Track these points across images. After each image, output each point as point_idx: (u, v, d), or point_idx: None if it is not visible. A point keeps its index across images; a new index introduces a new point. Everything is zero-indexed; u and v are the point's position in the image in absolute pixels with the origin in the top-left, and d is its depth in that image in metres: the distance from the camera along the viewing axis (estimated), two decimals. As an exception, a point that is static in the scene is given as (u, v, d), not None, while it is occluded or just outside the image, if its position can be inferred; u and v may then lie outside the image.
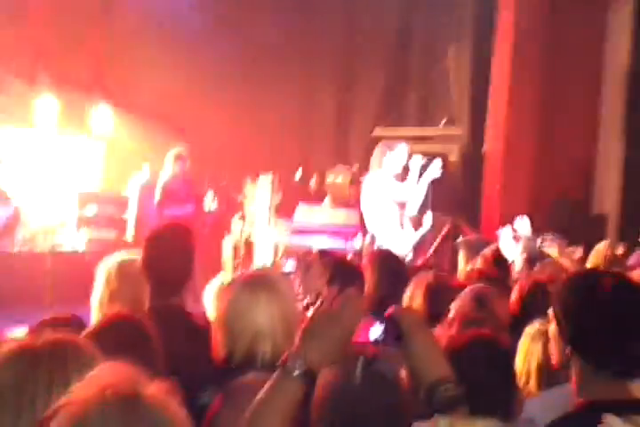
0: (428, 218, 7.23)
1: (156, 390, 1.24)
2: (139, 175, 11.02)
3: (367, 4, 12.78)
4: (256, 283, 2.56)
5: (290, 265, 3.44)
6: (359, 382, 1.86)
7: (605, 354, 2.10)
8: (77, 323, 2.80)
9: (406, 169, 7.23)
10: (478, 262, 4.98)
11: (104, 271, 3.42)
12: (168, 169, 9.68)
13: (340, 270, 3.95)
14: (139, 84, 11.83)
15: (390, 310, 1.70)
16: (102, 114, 11.52)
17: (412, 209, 7.25)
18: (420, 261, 6.50)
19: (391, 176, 7.12)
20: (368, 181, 7.31)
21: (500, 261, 4.98)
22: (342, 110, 14.09)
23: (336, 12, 13.51)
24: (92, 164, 11.45)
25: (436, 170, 7.26)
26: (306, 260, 3.62)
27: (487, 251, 5.07)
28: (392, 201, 7.12)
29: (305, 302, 3.46)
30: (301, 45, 13.39)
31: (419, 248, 7.29)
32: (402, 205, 7.18)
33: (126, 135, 11.68)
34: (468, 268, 5.12)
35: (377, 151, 7.28)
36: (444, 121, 11.60)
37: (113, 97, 11.74)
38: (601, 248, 5.69)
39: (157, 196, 9.57)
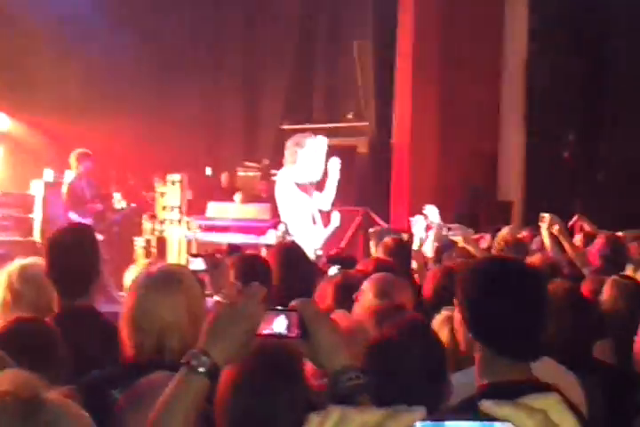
0: (335, 216, 7.27)
1: (56, 394, 1.23)
2: (44, 174, 10.76)
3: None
4: (160, 278, 2.54)
5: (197, 263, 3.41)
6: (259, 378, 1.88)
7: (503, 339, 2.15)
8: None
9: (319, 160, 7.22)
10: (379, 251, 5.04)
11: (4, 276, 3.35)
12: (72, 169, 9.47)
13: (247, 266, 3.95)
14: (40, 86, 11.55)
15: (294, 302, 1.71)
16: (3, 120, 11.19)
17: (326, 204, 7.28)
18: (332, 251, 6.53)
19: (305, 181, 7.09)
20: (281, 177, 7.29)
21: (400, 250, 5.02)
22: (249, 106, 14.09)
23: (238, 7, 13.49)
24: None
25: (335, 169, 7.26)
26: (213, 257, 3.60)
27: (388, 239, 5.13)
28: (304, 196, 7.12)
29: (215, 299, 3.45)
30: (207, 44, 13.31)
31: (329, 242, 7.34)
32: (313, 201, 7.20)
33: (26, 137, 11.38)
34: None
35: (288, 147, 7.26)
36: (350, 114, 11.72)
37: (10, 99, 11.41)
38: (503, 234, 5.84)
39: (63, 197, 9.36)
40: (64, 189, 9.35)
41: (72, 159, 9.37)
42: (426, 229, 6.20)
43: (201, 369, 1.57)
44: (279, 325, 1.67)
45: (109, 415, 2.14)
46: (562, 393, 2.14)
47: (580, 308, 3.36)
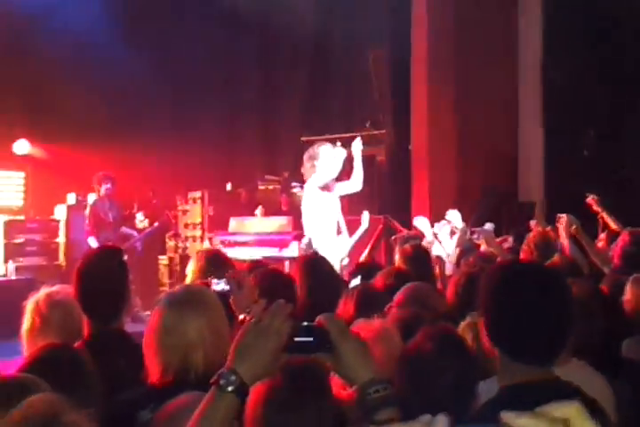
0: (365, 217, 7.27)
1: (76, 415, 1.26)
2: (68, 199, 10.85)
3: (283, 11, 12.83)
4: (182, 298, 2.60)
5: (221, 285, 3.41)
6: (286, 394, 1.89)
7: (518, 345, 2.12)
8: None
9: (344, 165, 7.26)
10: (397, 259, 5.00)
11: (32, 302, 3.37)
12: (95, 192, 9.56)
13: (270, 282, 3.92)
14: (60, 111, 11.65)
15: (319, 318, 1.72)
16: (22, 145, 11.27)
17: (356, 185, 7.27)
18: (355, 263, 6.49)
19: (326, 182, 7.10)
20: (305, 187, 7.31)
21: (419, 256, 4.98)
22: (267, 120, 14.11)
23: (252, 20, 13.54)
24: (14, 193, 11.18)
25: (358, 150, 7.31)
26: (237, 278, 3.58)
27: (407, 246, 5.09)
28: (329, 203, 7.13)
29: (240, 318, 3.45)
30: (221, 58, 13.36)
31: (354, 251, 7.32)
32: (338, 209, 7.20)
33: (48, 162, 11.47)
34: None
35: (304, 164, 7.28)
36: (368, 123, 11.71)
37: (31, 125, 11.52)
38: (531, 235, 5.78)
39: (86, 220, 9.45)
40: (87, 212, 9.43)
41: (94, 182, 9.48)
42: (450, 234, 6.17)
43: (230, 388, 1.60)
44: (303, 340, 1.67)
45: None
46: (584, 393, 2.12)
47: (606, 308, 3.30)
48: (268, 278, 3.98)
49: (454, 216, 6.59)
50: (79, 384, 2.38)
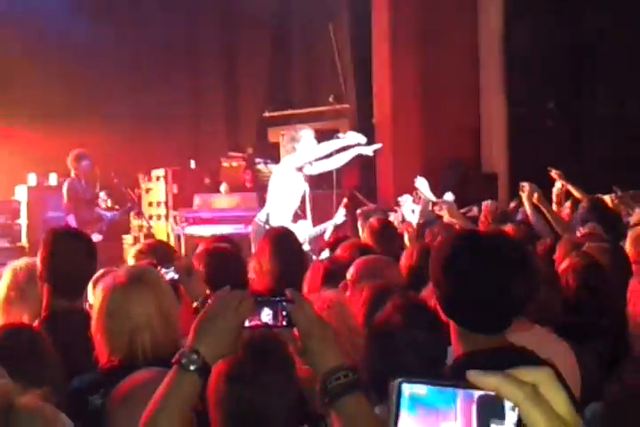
0: (341, 213, 7.30)
1: (30, 398, 1.23)
2: (28, 179, 10.69)
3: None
4: (127, 279, 2.55)
5: (170, 274, 3.37)
6: (248, 368, 1.89)
7: (469, 315, 2.10)
8: None
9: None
10: (365, 232, 4.99)
11: (10, 272, 3.33)
12: (71, 170, 9.34)
13: (217, 264, 3.90)
14: (17, 89, 11.44)
15: (286, 292, 1.71)
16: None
17: (335, 165, 7.29)
18: (329, 239, 6.47)
19: (303, 163, 7.09)
20: (282, 165, 7.29)
21: (385, 230, 4.97)
22: (230, 97, 13.98)
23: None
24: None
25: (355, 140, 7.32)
26: (185, 265, 3.54)
27: (372, 220, 5.08)
28: (296, 189, 7.12)
29: (194, 305, 3.43)
30: (183, 35, 13.19)
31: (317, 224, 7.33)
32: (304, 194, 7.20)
33: (6, 142, 11.26)
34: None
35: (284, 145, 7.28)
36: (331, 97, 11.65)
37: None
38: (486, 207, 5.81)
39: (64, 198, 9.22)
40: (64, 190, 9.21)
41: (69, 159, 9.26)
42: (418, 203, 6.17)
43: (192, 367, 1.61)
44: (266, 314, 1.68)
45: (90, 423, 2.18)
46: (541, 358, 2.12)
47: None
48: (214, 261, 3.95)
49: (422, 184, 6.61)
50: (37, 364, 2.37)
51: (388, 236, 4.90)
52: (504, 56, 10.76)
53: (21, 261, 3.43)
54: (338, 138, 7.25)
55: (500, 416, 0.77)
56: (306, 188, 7.15)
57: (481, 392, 0.77)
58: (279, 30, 13.39)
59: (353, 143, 7.26)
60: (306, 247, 6.85)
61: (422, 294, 3.04)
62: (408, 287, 3.51)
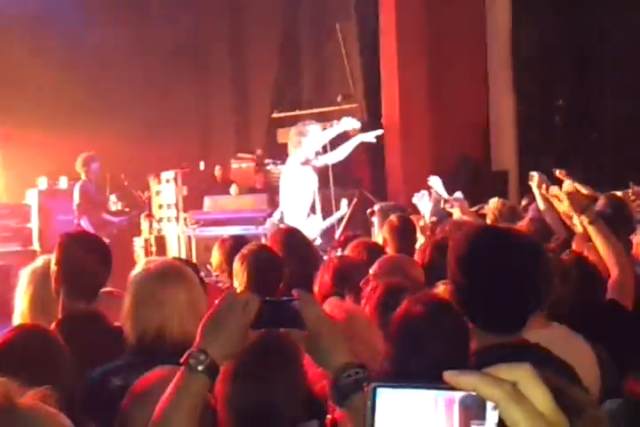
0: (343, 204, 7.29)
1: (30, 398, 1.22)
2: (38, 183, 10.71)
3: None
4: (160, 269, 2.63)
5: None
6: (255, 365, 1.89)
7: (483, 313, 2.08)
8: None
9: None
10: (384, 229, 4.96)
11: (29, 273, 3.36)
12: (81, 173, 9.31)
13: (261, 263, 3.87)
14: (26, 93, 11.49)
15: (294, 292, 1.70)
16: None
17: (338, 158, 7.31)
18: (341, 237, 6.46)
19: (307, 157, 7.11)
20: (288, 163, 7.31)
21: (405, 227, 4.94)
22: (239, 98, 14.01)
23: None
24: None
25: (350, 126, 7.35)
26: None
27: (393, 217, 5.05)
28: (306, 185, 7.13)
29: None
30: (192, 36, 13.21)
31: (327, 231, 7.33)
32: (315, 188, 7.21)
33: (16, 146, 11.29)
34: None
35: (291, 138, 7.29)
36: (340, 97, 11.63)
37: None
38: (494, 205, 5.78)
39: (77, 200, 9.20)
40: (76, 193, 9.19)
41: (79, 163, 9.24)
42: (430, 202, 6.15)
43: (200, 367, 1.61)
44: (274, 316, 1.67)
45: (110, 402, 2.18)
46: (555, 356, 2.10)
47: (586, 273, 3.29)
48: (258, 259, 3.90)
49: (436, 183, 6.59)
50: (49, 365, 2.35)
51: (407, 233, 4.87)
52: (513, 54, 10.73)
53: (37, 263, 3.43)
54: (332, 126, 7.28)
55: (481, 417, 0.74)
56: (315, 182, 7.16)
57: (462, 393, 0.75)
58: (287, 31, 13.40)
59: (349, 128, 7.28)
60: (317, 242, 6.88)
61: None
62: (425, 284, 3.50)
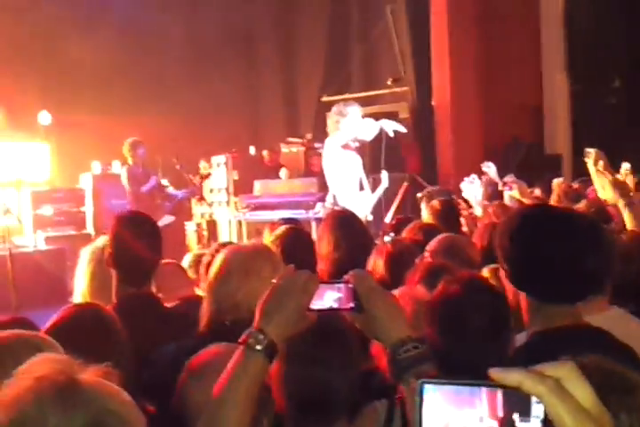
0: (384, 176, 7.24)
1: (92, 374, 1.22)
2: (92, 167, 10.86)
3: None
4: (250, 248, 2.71)
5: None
6: (310, 347, 1.90)
7: (542, 283, 2.05)
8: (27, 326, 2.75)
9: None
10: (427, 214, 4.92)
11: (89, 253, 3.41)
12: (128, 158, 9.45)
13: (292, 245, 3.89)
14: (80, 79, 11.63)
15: (349, 274, 1.69)
16: (44, 116, 11.20)
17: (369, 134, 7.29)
18: (392, 221, 6.43)
19: (349, 139, 7.11)
20: (327, 145, 7.30)
21: (448, 211, 4.89)
22: (288, 82, 14.00)
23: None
24: (39, 164, 11.20)
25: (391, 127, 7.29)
26: None
27: (435, 202, 5.01)
28: (350, 160, 7.12)
29: None
30: (240, 20, 13.22)
31: (378, 208, 7.29)
32: (359, 164, 7.20)
33: (70, 131, 11.45)
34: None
35: (330, 117, 7.27)
36: (390, 80, 11.56)
37: (51, 95, 11.47)
38: (559, 185, 5.68)
39: (126, 187, 9.32)
40: (124, 178, 9.32)
41: (126, 148, 9.37)
42: (480, 187, 6.08)
43: (258, 347, 1.60)
44: (330, 298, 1.67)
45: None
46: (615, 339, 2.06)
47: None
48: (290, 241, 3.92)
49: (490, 169, 6.50)
50: (109, 347, 2.36)
51: (450, 217, 4.83)
52: (566, 33, 10.53)
53: (95, 244, 3.46)
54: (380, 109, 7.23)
55: (526, 410, 0.77)
56: (359, 160, 7.14)
57: (488, 388, 0.78)
58: (337, 14, 13.33)
59: (389, 131, 7.22)
60: (370, 218, 6.88)
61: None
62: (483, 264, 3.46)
